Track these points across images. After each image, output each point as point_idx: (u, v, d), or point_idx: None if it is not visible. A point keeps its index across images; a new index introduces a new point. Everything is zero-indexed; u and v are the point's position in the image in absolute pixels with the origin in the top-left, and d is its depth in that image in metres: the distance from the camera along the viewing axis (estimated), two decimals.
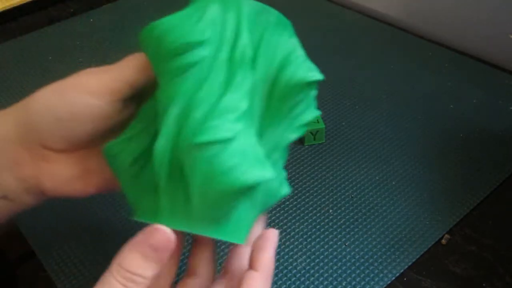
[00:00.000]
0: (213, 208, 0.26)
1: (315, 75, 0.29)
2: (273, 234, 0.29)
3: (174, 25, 0.27)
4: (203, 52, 0.27)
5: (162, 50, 0.27)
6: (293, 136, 0.30)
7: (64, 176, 0.31)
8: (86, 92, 0.29)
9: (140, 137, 0.29)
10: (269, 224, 0.44)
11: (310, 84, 0.29)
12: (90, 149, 0.32)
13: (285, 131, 0.30)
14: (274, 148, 0.29)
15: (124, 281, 0.25)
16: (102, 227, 0.44)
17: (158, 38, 0.27)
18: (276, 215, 0.45)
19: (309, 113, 0.31)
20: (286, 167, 0.50)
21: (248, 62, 0.28)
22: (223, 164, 0.25)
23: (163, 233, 0.25)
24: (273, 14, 0.29)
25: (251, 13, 0.28)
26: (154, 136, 0.28)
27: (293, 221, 0.45)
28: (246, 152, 0.26)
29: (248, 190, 0.26)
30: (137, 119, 0.30)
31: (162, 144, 0.26)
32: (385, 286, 0.39)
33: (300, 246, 0.42)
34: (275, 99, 0.29)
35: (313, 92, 0.30)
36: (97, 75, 0.30)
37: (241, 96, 0.27)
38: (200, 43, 0.26)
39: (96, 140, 0.31)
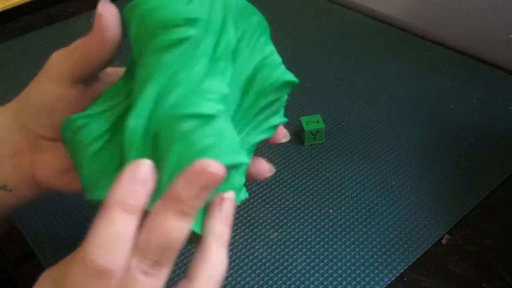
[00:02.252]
0: None
1: (291, 77, 0.30)
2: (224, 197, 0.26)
3: (163, 3, 0.27)
4: (191, 31, 0.26)
5: (149, 25, 0.27)
6: (260, 137, 0.31)
7: (54, 166, 0.31)
8: (50, 80, 0.30)
9: (106, 114, 0.28)
10: (269, 224, 0.44)
11: (284, 85, 0.30)
12: None
13: (252, 132, 0.30)
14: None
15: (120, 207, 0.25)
16: None
17: (145, 13, 0.27)
18: (276, 215, 0.45)
19: (278, 118, 0.32)
20: (286, 167, 0.50)
21: (230, 54, 0.28)
22: (200, 142, 0.25)
23: (143, 166, 0.25)
24: (256, 15, 0.29)
25: (238, 6, 0.28)
26: (124, 114, 0.28)
27: (293, 221, 0.44)
28: (224, 134, 0.26)
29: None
30: (103, 98, 0.29)
31: (136, 119, 0.26)
32: (385, 286, 0.39)
33: (300, 246, 0.42)
34: (248, 98, 0.29)
35: (285, 97, 0.31)
36: (61, 59, 0.31)
37: (223, 83, 0.27)
38: (190, 22, 0.26)
39: None
